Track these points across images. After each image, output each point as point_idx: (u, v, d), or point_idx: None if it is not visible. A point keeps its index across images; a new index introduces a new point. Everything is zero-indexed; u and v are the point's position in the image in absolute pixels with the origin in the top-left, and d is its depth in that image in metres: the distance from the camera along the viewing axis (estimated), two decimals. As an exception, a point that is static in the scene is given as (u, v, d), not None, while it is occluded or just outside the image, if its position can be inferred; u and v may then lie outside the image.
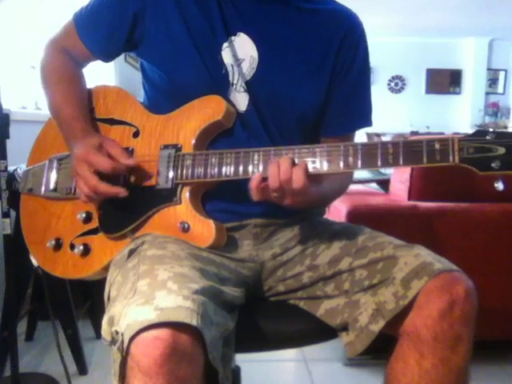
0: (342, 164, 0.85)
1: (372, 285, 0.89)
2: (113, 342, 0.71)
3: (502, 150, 0.78)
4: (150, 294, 0.72)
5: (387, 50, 8.05)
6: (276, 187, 0.84)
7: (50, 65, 1.11)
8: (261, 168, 0.88)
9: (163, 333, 0.67)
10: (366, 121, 1.11)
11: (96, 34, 1.06)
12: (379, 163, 0.84)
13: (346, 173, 0.88)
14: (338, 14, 1.06)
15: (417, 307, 0.83)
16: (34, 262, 1.11)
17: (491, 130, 0.79)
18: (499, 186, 0.79)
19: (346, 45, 1.04)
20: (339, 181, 1.06)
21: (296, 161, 0.86)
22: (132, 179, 0.98)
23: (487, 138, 0.79)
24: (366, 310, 0.88)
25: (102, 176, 0.94)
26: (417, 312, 0.83)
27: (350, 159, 0.85)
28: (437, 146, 0.80)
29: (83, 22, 1.07)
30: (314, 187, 0.88)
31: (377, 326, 0.86)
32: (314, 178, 0.86)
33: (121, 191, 0.93)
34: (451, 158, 0.80)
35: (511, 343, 1.92)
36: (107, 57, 1.11)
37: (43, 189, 1.10)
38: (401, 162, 0.82)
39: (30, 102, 2.68)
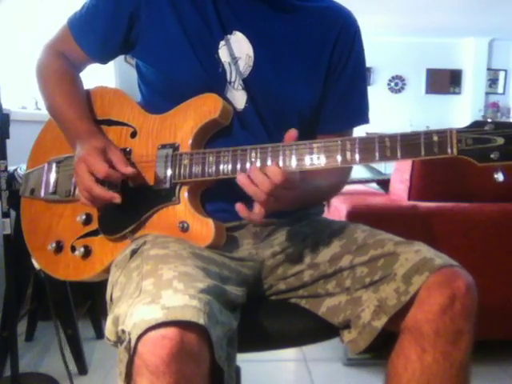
0: (339, 159, 0.85)
1: (373, 281, 0.89)
2: (119, 341, 0.71)
3: (500, 141, 0.76)
4: (155, 293, 0.71)
5: (387, 49, 8.05)
6: (263, 196, 0.83)
7: (47, 67, 1.10)
8: (258, 165, 0.87)
9: (171, 332, 0.67)
10: (363, 118, 1.11)
11: (93, 36, 1.06)
12: (377, 157, 0.82)
13: (342, 167, 0.87)
14: (332, 11, 1.07)
15: (418, 302, 0.83)
16: (36, 265, 1.11)
17: (489, 120, 0.78)
18: (499, 177, 0.78)
19: (340, 42, 1.04)
20: (335, 176, 1.05)
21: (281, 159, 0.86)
22: (130, 180, 0.98)
23: (486, 128, 0.77)
24: (368, 306, 0.88)
25: (100, 180, 0.92)
26: (418, 307, 0.83)
27: (348, 154, 0.84)
28: (435, 138, 0.79)
29: (79, 26, 1.07)
30: (303, 182, 0.88)
31: (379, 323, 0.86)
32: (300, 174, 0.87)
33: (115, 196, 0.91)
34: (449, 150, 0.78)
35: (511, 343, 1.92)
36: (105, 59, 1.11)
37: (43, 192, 1.10)
38: (398, 155, 0.81)
39: (30, 101, 2.68)
